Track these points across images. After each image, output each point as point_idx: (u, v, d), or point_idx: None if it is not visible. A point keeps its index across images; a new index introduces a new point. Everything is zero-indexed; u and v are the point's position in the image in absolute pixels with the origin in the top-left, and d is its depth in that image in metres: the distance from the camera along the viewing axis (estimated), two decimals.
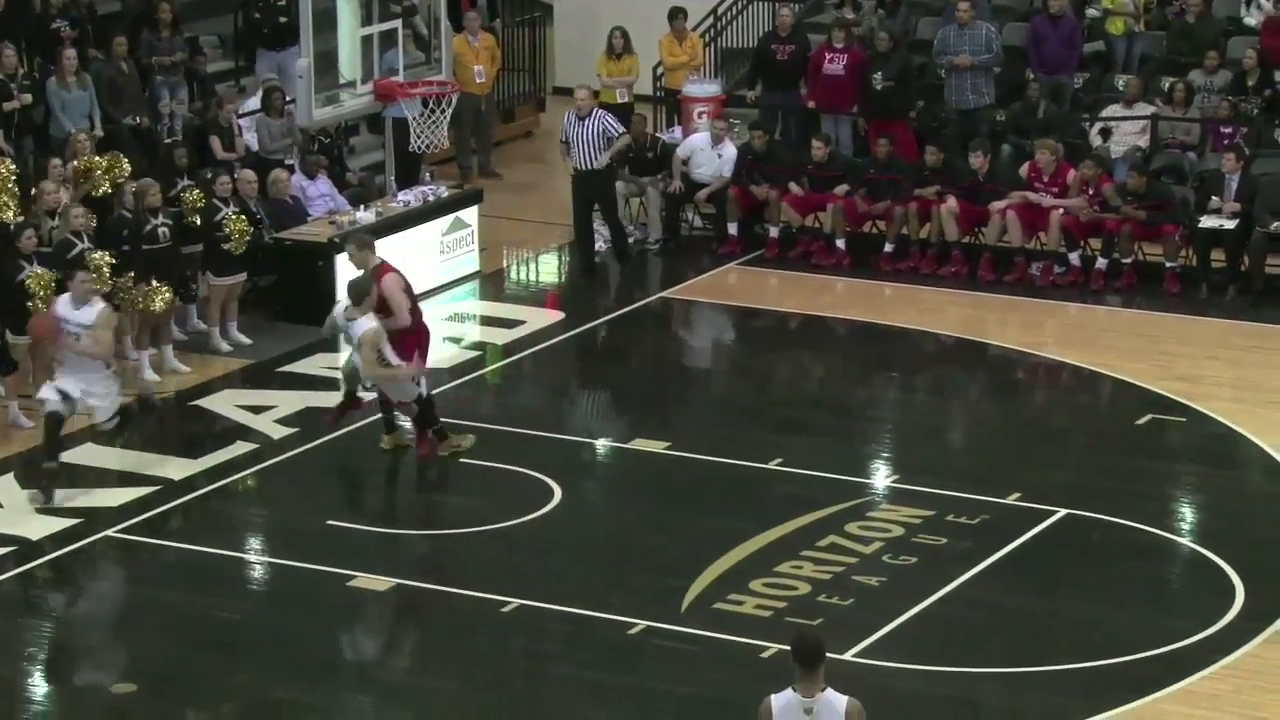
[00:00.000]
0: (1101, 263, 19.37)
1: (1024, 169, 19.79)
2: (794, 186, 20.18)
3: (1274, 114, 20.50)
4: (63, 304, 14.76)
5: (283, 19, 21.45)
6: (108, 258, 16.35)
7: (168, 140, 19.25)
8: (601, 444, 16.01)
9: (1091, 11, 22.11)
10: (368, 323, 14.84)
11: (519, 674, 12.58)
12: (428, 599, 13.38)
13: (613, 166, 19.78)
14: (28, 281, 15.70)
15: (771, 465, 15.37)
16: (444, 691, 12.46)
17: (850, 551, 13.88)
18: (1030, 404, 17.51)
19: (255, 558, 14.12)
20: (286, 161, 19.59)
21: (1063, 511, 14.48)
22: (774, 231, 20.41)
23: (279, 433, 16.06)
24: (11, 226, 16.36)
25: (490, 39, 23.12)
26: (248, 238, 17.60)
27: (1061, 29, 21.21)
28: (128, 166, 17.91)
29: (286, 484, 15.54)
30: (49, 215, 17.06)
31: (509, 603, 13.26)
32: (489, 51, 22.88)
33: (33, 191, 17.39)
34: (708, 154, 20.66)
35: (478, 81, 22.54)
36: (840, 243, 20.09)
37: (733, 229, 20.55)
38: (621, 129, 19.80)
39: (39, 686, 12.50)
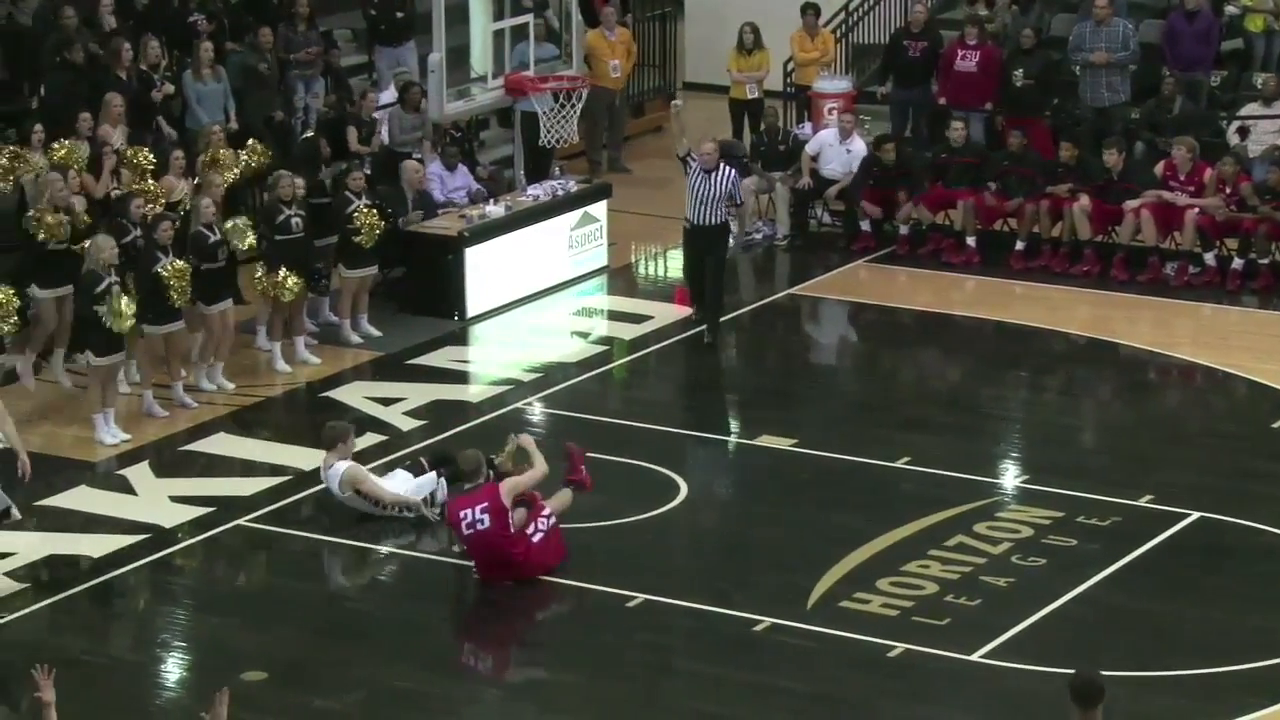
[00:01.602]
0: (1237, 263, 19.09)
1: (1159, 167, 19.55)
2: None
3: None
4: None
5: (399, 14, 21.60)
6: (250, 235, 16.57)
7: (308, 134, 19.37)
8: (727, 440, 15.97)
9: (1230, 9, 21.80)
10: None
11: (643, 668, 12.58)
12: (553, 592, 13.42)
13: (728, 224, 18.22)
14: (162, 273, 15.89)
15: (899, 464, 15.28)
16: (567, 684, 12.48)
17: (979, 552, 13.77)
18: (1162, 405, 17.30)
19: (384, 548, 14.22)
20: (414, 155, 19.72)
21: (1195, 514, 14.29)
22: (904, 229, 20.29)
23: (408, 425, 16.17)
24: (148, 218, 16.58)
25: (626, 34, 23.14)
26: (378, 231, 17.71)
27: (1197, 25, 20.93)
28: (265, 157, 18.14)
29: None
30: (168, 208, 17.27)
31: (634, 597, 13.28)
32: (625, 46, 22.90)
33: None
34: (836, 149, 20.57)
35: (612, 76, 22.56)
36: (971, 240, 19.94)
37: (865, 225, 20.45)
38: (743, 199, 18.75)
39: (170, 673, 12.66)
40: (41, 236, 16.12)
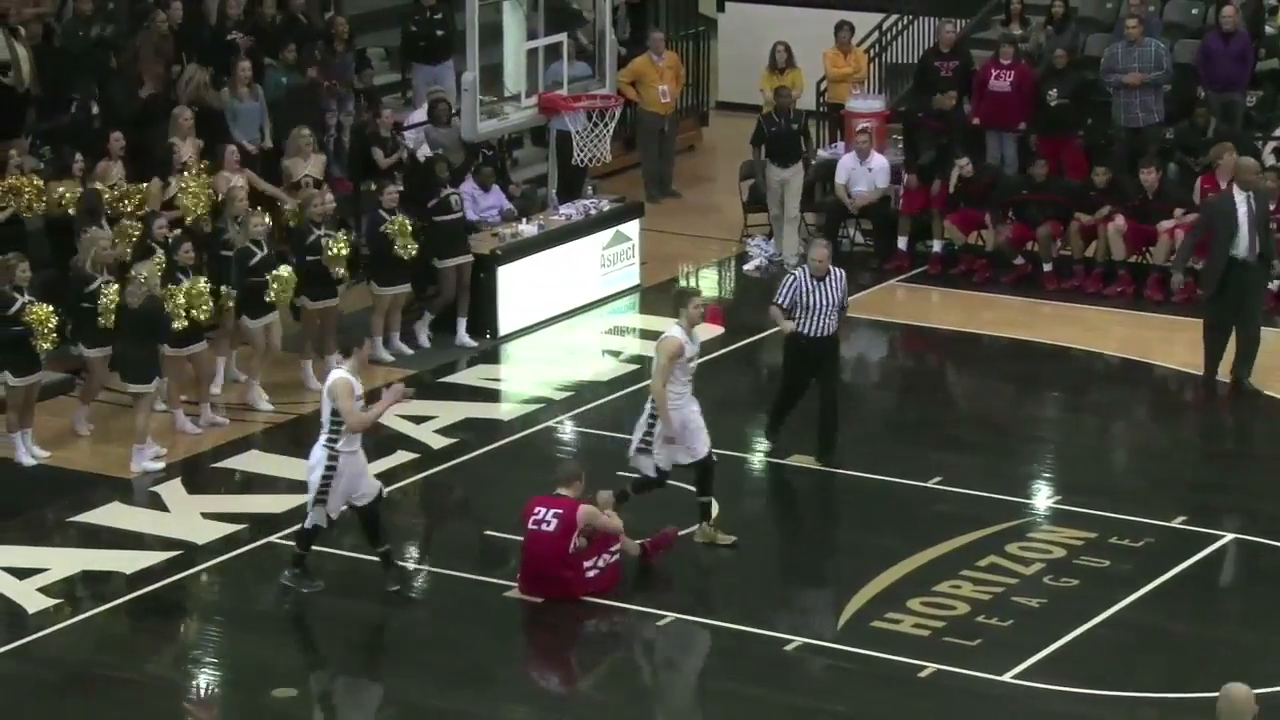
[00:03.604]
0: (1274, 284, 19.00)
1: (1199, 180, 19.41)
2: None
3: None
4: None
5: (439, 32, 21.64)
6: (286, 272, 16.60)
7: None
8: (759, 459, 15.96)
9: (1268, 29, 21.73)
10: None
11: (674, 688, 12.57)
12: (584, 611, 13.40)
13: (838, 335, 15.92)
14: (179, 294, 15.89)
15: (931, 484, 15.25)
16: (598, 703, 12.49)
17: (1010, 572, 13.73)
18: (1197, 426, 17.23)
19: (414, 566, 14.23)
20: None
21: (1229, 536, 14.23)
22: (937, 246, 20.29)
23: (439, 443, 16.19)
24: (169, 239, 16.59)
25: (674, 58, 23.08)
26: (411, 247, 17.66)
27: (1234, 46, 20.86)
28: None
29: (445, 494, 15.67)
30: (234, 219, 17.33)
31: (665, 616, 13.27)
32: (673, 71, 22.87)
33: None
34: (859, 171, 20.60)
35: (662, 102, 22.56)
36: (1019, 260, 19.92)
37: (902, 244, 20.44)
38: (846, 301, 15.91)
39: (201, 690, 12.67)
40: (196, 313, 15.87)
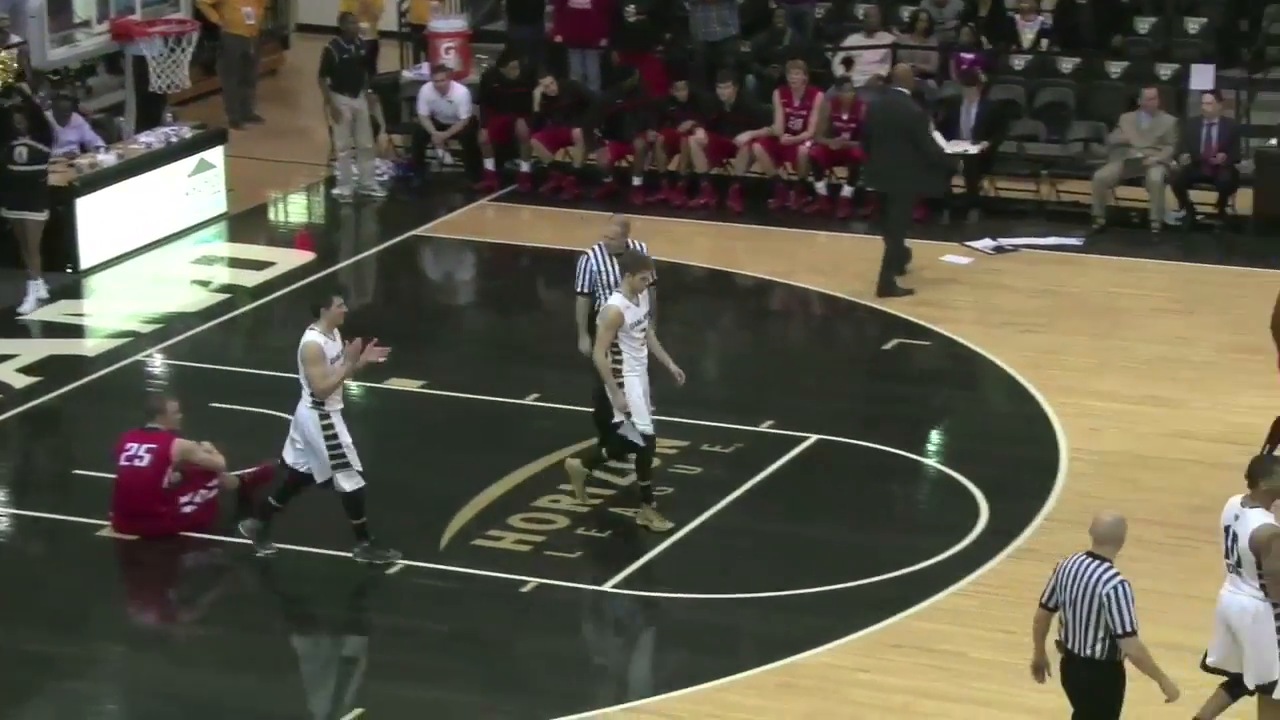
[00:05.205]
0: (848, 191, 19.64)
1: (776, 94, 19.90)
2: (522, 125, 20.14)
3: (1008, 42, 20.99)
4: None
5: None
6: None
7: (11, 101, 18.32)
8: (356, 385, 15.87)
9: None
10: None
11: (279, 617, 12.47)
12: (179, 545, 13.19)
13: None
14: None
15: (528, 400, 15.39)
16: (200, 637, 12.32)
17: (608, 484, 13.95)
18: (781, 332, 17.73)
19: None
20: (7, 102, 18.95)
21: (814, 437, 14.70)
22: (525, 166, 20.39)
23: (21, 382, 15.70)
24: None
25: None
26: None
27: None
28: None
29: (30, 434, 15.23)
30: None
31: (266, 549, 13.12)
32: None
33: None
34: (441, 103, 20.55)
35: (247, 24, 22.09)
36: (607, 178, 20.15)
37: (489, 164, 20.48)
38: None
39: None
40: None
